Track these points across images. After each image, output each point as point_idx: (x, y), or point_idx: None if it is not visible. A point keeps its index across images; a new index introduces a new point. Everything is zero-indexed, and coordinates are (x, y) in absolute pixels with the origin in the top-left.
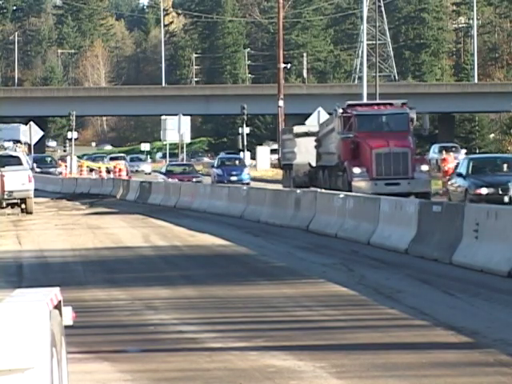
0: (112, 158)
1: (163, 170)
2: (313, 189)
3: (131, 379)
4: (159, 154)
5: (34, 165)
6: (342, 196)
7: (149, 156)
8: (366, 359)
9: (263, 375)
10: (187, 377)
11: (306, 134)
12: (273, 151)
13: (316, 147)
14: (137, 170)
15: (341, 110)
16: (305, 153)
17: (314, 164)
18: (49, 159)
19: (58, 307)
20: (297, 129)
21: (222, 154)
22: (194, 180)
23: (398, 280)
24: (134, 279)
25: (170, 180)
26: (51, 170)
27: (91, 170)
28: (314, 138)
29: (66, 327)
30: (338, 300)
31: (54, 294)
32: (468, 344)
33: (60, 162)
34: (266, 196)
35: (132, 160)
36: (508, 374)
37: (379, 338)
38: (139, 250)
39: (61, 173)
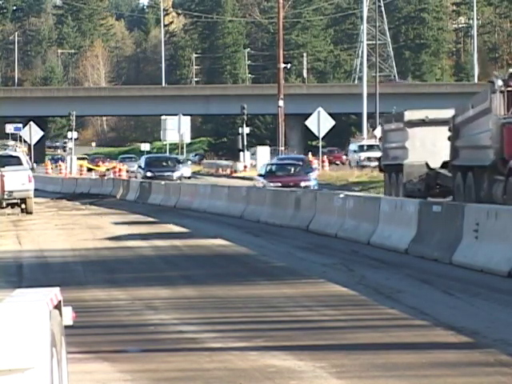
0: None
1: (262, 171)
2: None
3: (131, 379)
4: (191, 155)
5: (34, 165)
6: (342, 196)
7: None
8: (366, 359)
9: (263, 375)
10: (187, 377)
11: (423, 123)
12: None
13: (451, 139)
14: (161, 175)
15: (501, 82)
16: (420, 149)
17: (433, 164)
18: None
19: (58, 307)
20: (410, 115)
21: (279, 156)
22: (303, 185)
23: (398, 280)
24: (134, 279)
25: (271, 184)
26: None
27: (89, 170)
28: (433, 129)
29: (66, 327)
30: (338, 300)
31: (54, 293)
32: (468, 344)
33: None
34: (266, 196)
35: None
36: (508, 374)
37: (379, 337)
38: (139, 250)
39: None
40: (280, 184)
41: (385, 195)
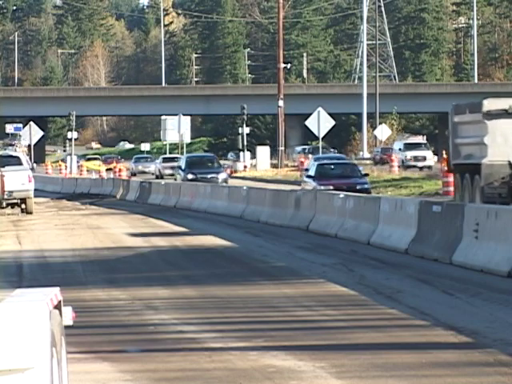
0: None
1: (311, 173)
2: (312, 188)
3: (131, 379)
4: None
5: (34, 165)
6: (341, 196)
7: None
8: (366, 359)
9: (263, 375)
10: (187, 377)
11: (507, 114)
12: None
13: None
14: (204, 177)
15: None
16: (503, 145)
17: None
18: None
19: (58, 307)
20: (490, 104)
21: (316, 156)
22: (359, 188)
23: (398, 280)
24: (134, 279)
25: (321, 187)
26: None
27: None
28: None
29: (66, 327)
30: (338, 300)
31: (54, 294)
32: (468, 344)
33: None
34: (266, 196)
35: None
36: (508, 374)
37: (379, 337)
38: (139, 250)
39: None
40: (332, 187)
41: (456, 200)
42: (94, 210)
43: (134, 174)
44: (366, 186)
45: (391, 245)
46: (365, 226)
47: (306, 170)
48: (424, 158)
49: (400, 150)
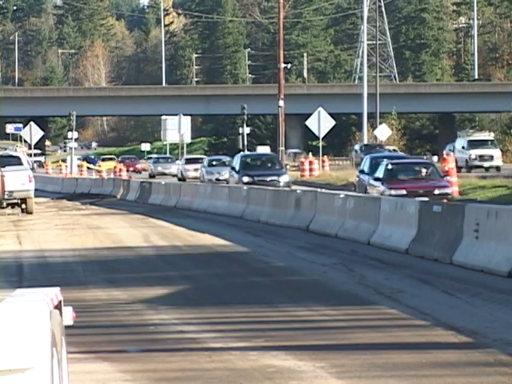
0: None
1: (379, 174)
2: (313, 188)
3: (131, 379)
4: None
5: (35, 165)
6: (342, 196)
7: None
8: (366, 359)
9: (263, 375)
10: (187, 377)
11: None
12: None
13: None
14: (263, 180)
15: None
16: None
17: None
18: None
19: (58, 307)
20: None
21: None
22: (437, 192)
23: (398, 280)
24: (135, 279)
25: (392, 192)
26: None
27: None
28: None
29: (67, 327)
30: (338, 300)
31: (55, 294)
32: (468, 344)
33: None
34: (266, 196)
35: (258, 163)
36: (508, 374)
37: (379, 337)
38: (139, 250)
39: None
40: (405, 191)
41: None
42: (95, 210)
43: (152, 176)
44: (447, 189)
45: (391, 245)
46: (365, 226)
47: (362, 171)
48: (491, 158)
49: (463, 148)
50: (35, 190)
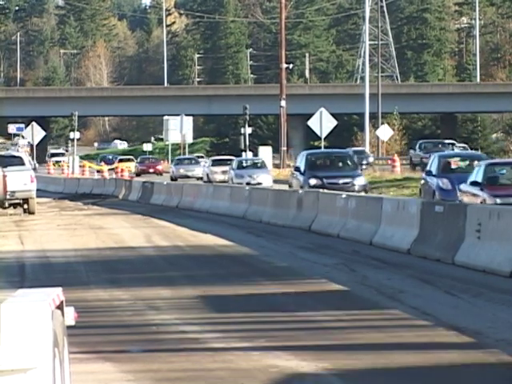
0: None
1: (478, 178)
2: (314, 189)
3: (133, 379)
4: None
5: (37, 165)
6: (344, 196)
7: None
8: (369, 359)
9: (266, 375)
10: (189, 377)
11: None
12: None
13: None
14: (334, 183)
15: None
16: None
17: None
18: None
19: (60, 307)
20: None
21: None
22: None
23: (400, 280)
24: (137, 279)
25: (497, 200)
26: None
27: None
28: None
29: (69, 327)
30: (341, 300)
31: (57, 294)
32: (470, 344)
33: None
34: (268, 196)
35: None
36: (510, 374)
37: (381, 338)
38: (141, 250)
39: None
40: None
41: None
42: (97, 211)
43: (175, 179)
44: None
45: (393, 245)
46: (367, 226)
47: (429, 172)
48: None
49: None
50: (37, 190)
